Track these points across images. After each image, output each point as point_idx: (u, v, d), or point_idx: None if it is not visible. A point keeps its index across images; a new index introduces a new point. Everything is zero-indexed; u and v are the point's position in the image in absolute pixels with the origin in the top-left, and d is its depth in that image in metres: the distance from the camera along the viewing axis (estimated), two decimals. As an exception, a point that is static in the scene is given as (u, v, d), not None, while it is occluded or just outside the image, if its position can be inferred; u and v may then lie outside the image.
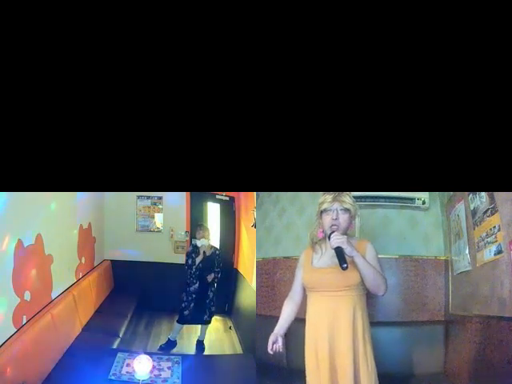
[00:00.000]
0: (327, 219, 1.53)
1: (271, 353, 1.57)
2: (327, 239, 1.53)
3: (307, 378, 1.56)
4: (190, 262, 3.26)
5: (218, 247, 3.54)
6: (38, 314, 2.26)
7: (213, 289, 3.31)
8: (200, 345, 3.26)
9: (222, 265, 3.43)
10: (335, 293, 1.50)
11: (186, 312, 3.23)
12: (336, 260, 1.46)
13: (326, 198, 1.55)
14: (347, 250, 1.43)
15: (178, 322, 3.28)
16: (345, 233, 1.53)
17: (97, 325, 3.02)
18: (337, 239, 1.44)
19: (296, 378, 2.37)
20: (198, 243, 3.25)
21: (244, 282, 3.60)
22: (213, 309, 3.33)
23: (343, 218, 1.53)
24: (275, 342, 1.57)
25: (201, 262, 3.24)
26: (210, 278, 3.25)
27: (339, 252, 1.43)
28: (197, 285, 3.24)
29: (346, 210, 1.53)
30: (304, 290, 1.63)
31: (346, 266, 1.40)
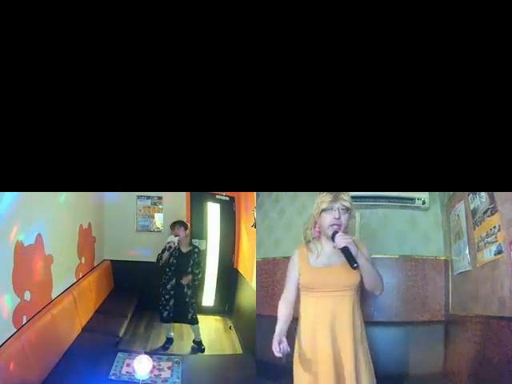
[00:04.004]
0: (328, 218, 1.52)
1: (279, 355, 1.54)
2: (327, 239, 1.52)
3: (296, 378, 1.54)
4: (157, 257, 3.18)
5: (198, 246, 3.41)
6: (38, 314, 2.26)
7: (191, 287, 3.22)
8: (198, 345, 3.25)
9: (203, 265, 3.33)
10: (335, 293, 1.49)
11: (166, 310, 3.17)
12: (334, 260, 1.47)
13: (325, 197, 1.55)
14: (353, 250, 1.42)
15: (161, 321, 3.25)
16: (345, 232, 1.53)
17: (97, 325, 3.01)
18: (343, 239, 1.43)
19: (296, 378, 2.38)
20: (168, 239, 3.17)
21: (244, 282, 3.60)
22: (195, 306, 3.26)
23: (344, 217, 1.52)
24: (281, 343, 1.56)
25: (174, 259, 3.16)
26: (185, 280, 3.15)
27: (346, 252, 1.41)
28: (173, 281, 3.16)
29: (347, 209, 1.53)
30: (298, 289, 1.62)
31: (356, 265, 1.39)
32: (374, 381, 1.50)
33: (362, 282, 1.50)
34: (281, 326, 1.60)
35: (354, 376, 1.43)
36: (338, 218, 1.51)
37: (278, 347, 1.53)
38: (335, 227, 1.50)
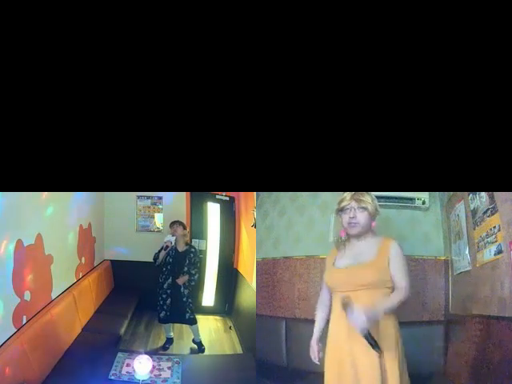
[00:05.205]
0: (345, 218, 1.54)
1: (317, 362, 1.57)
2: (353, 238, 1.56)
3: (325, 377, 1.52)
4: (154, 256, 3.18)
5: (194, 246, 3.40)
6: (38, 314, 2.26)
7: (187, 287, 3.20)
8: (198, 345, 3.24)
9: (200, 265, 3.28)
10: (353, 292, 1.46)
11: (164, 310, 3.16)
12: (355, 259, 1.49)
13: (344, 197, 1.56)
14: (370, 323, 1.31)
15: (159, 321, 3.23)
16: (365, 231, 1.54)
17: (97, 325, 3.02)
18: (359, 326, 1.31)
19: (296, 378, 2.39)
20: (165, 239, 3.18)
21: (244, 282, 3.60)
22: (192, 306, 3.23)
23: (361, 216, 1.52)
24: (320, 351, 1.58)
25: (170, 258, 3.15)
26: (181, 281, 3.12)
27: (366, 337, 1.32)
28: (170, 280, 3.15)
29: (364, 209, 1.53)
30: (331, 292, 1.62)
31: (379, 349, 1.34)
32: None
33: (388, 281, 1.47)
34: (318, 331, 1.63)
35: (378, 379, 1.39)
36: (353, 217, 1.51)
37: (316, 354, 1.58)
38: (352, 225, 1.51)
